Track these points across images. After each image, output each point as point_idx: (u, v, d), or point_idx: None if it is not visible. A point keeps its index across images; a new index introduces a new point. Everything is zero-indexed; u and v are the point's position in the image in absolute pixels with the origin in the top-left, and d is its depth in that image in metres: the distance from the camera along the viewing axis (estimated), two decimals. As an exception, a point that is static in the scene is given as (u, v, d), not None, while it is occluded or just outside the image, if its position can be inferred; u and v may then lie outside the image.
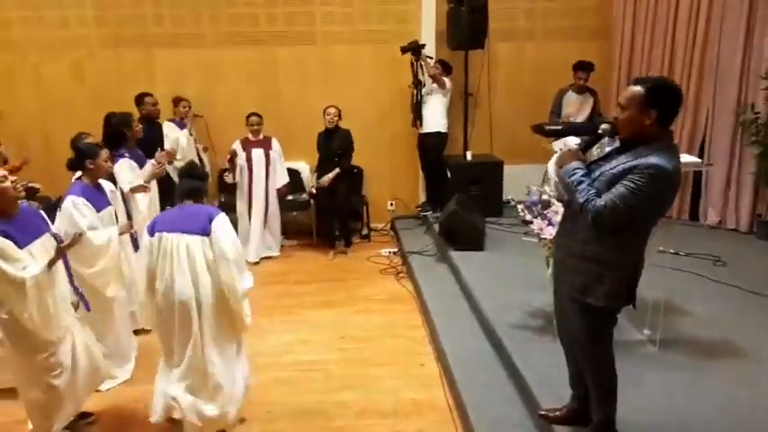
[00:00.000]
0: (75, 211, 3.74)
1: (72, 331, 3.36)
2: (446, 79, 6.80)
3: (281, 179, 6.74)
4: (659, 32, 6.55)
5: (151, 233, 3.32)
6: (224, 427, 3.43)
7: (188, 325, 3.25)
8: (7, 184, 3.08)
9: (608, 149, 2.73)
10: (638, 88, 2.48)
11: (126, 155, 4.79)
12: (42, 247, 3.20)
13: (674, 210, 6.59)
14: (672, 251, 5.08)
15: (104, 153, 3.99)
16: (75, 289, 3.46)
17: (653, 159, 2.40)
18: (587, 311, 2.63)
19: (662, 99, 2.45)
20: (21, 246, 3.06)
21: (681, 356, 3.59)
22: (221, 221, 3.30)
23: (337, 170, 6.52)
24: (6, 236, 3.00)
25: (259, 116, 6.58)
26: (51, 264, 3.12)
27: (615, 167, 2.49)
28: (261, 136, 6.62)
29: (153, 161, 5.03)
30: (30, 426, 3.39)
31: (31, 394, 3.26)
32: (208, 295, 3.25)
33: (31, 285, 3.01)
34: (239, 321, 3.40)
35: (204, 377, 3.33)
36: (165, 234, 3.27)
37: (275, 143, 6.70)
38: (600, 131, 2.71)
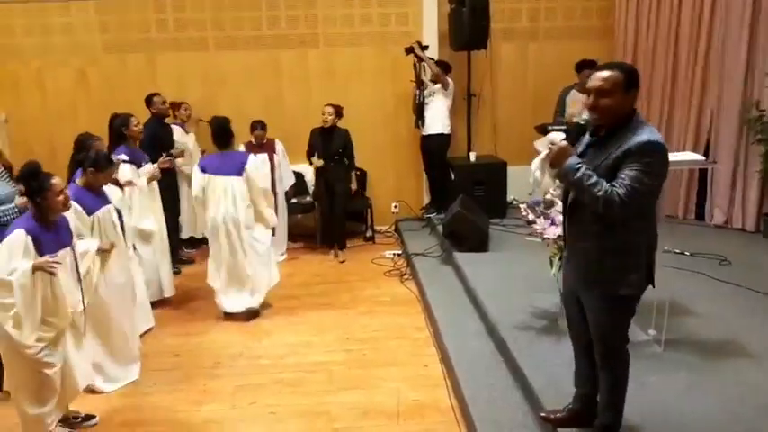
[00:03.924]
0: None
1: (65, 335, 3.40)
2: (449, 79, 6.79)
3: (287, 181, 6.78)
4: (662, 31, 6.52)
5: (203, 171, 4.95)
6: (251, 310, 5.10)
7: (229, 239, 4.93)
8: (62, 197, 3.23)
9: (581, 147, 2.71)
10: (615, 73, 2.49)
11: (124, 153, 5.00)
12: (62, 260, 3.27)
13: (679, 209, 6.56)
14: (677, 251, 5.06)
15: (111, 171, 4.12)
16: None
17: (645, 136, 2.43)
18: (614, 302, 2.61)
19: (635, 80, 2.52)
20: (42, 253, 3.15)
21: (686, 357, 3.55)
22: (252, 163, 4.93)
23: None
24: (36, 242, 3.12)
25: (263, 128, 6.54)
26: (35, 268, 3.09)
27: (608, 157, 2.49)
28: (264, 140, 6.64)
29: (154, 165, 5.23)
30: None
31: (22, 379, 3.25)
32: (241, 217, 4.89)
33: (18, 287, 3.04)
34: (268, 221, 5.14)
35: (241, 277, 5.02)
36: (211, 176, 4.91)
37: (279, 145, 6.71)
38: (583, 122, 2.70)
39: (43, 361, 3.21)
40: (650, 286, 2.65)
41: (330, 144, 6.55)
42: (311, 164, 6.63)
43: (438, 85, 6.76)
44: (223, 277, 5.09)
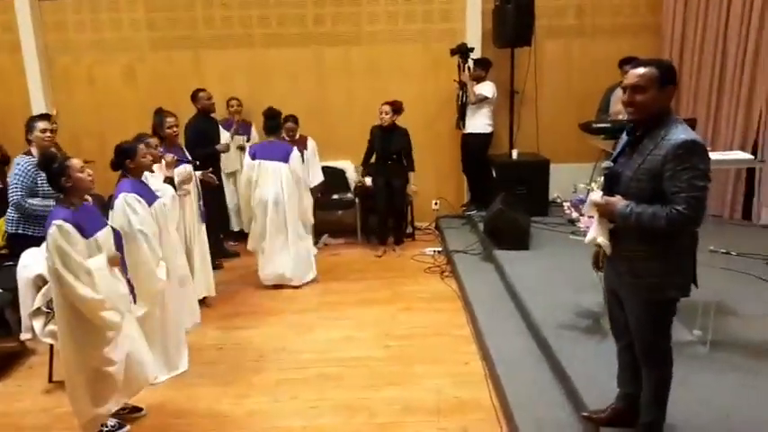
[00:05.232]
0: (127, 209, 3.77)
1: (125, 328, 3.43)
2: (487, 89, 6.74)
3: (315, 178, 6.73)
4: (711, 26, 6.37)
5: (252, 158, 5.54)
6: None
7: (275, 218, 5.54)
8: (85, 174, 3.24)
9: (619, 148, 2.73)
10: (651, 69, 2.50)
11: (161, 150, 4.93)
12: (105, 237, 3.33)
13: (726, 209, 6.42)
14: (723, 251, 4.95)
15: (142, 149, 3.96)
16: (128, 281, 3.56)
17: (682, 135, 2.43)
18: (656, 305, 2.61)
19: (672, 77, 2.53)
20: (87, 235, 3.18)
21: (733, 357, 3.50)
22: (295, 154, 5.58)
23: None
24: (75, 225, 3.12)
25: (295, 122, 6.52)
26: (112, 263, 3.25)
27: (645, 160, 2.50)
28: (297, 136, 6.66)
29: (189, 167, 5.15)
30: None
31: (81, 379, 3.27)
32: (286, 197, 5.50)
33: (97, 274, 3.14)
34: (306, 212, 5.84)
35: (282, 252, 5.62)
36: (261, 161, 5.50)
37: (310, 142, 6.74)
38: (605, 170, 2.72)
39: (107, 358, 3.26)
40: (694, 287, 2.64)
41: (389, 144, 6.63)
42: (362, 181, 6.81)
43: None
44: (266, 251, 5.65)
